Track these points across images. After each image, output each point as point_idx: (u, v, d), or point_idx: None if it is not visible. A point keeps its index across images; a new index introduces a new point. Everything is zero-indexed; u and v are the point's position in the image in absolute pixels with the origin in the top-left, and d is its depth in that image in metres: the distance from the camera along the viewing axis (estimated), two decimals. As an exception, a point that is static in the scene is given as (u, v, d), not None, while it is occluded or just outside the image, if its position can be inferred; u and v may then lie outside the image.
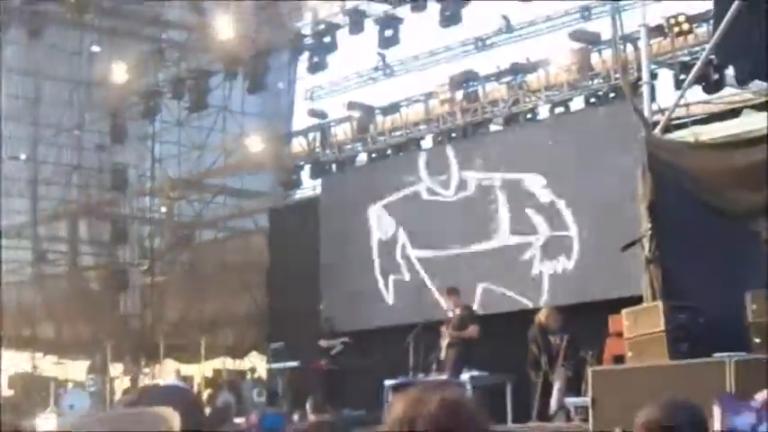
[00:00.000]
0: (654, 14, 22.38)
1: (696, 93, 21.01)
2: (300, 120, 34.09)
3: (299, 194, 31.74)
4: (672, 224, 14.85)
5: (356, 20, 28.33)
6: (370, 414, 18.49)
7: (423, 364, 20.40)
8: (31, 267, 33.61)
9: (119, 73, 31.83)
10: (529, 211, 22.97)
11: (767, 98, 17.87)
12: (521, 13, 28.67)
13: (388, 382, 19.83)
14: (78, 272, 34.47)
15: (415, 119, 29.90)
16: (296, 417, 18.72)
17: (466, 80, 28.58)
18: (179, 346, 30.33)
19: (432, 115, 29.34)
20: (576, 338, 18.25)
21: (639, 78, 16.89)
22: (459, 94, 28.47)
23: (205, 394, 27.14)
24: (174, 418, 3.07)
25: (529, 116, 26.78)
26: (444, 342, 19.48)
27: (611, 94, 24.04)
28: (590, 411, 13.93)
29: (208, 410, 22.22)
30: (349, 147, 30.73)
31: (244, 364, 29.80)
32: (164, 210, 35.42)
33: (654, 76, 18.68)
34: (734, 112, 19.48)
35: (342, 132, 31.47)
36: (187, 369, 29.80)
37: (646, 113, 15.96)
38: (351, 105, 30.95)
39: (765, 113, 16.20)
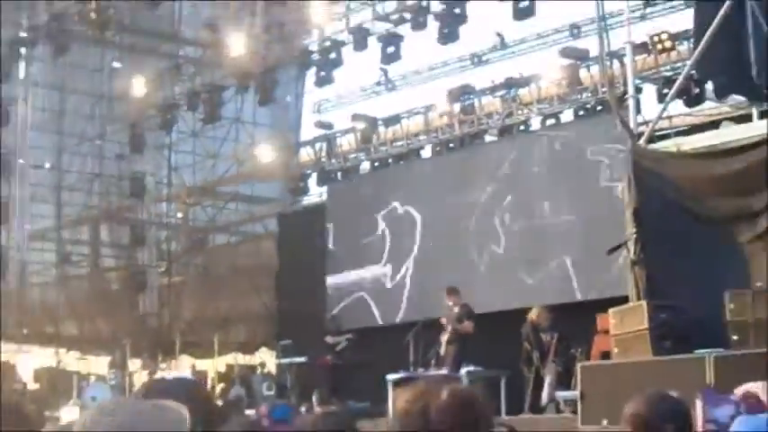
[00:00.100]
0: (639, 33, 22.42)
1: (678, 106, 21.04)
2: (308, 130, 34.18)
3: (307, 201, 31.76)
4: (655, 229, 14.87)
5: (360, 37, 28.38)
6: (373, 406, 18.54)
7: (422, 360, 20.39)
8: (56, 269, 33.63)
9: (138, 87, 31.87)
10: (522, 216, 22.99)
11: (744, 111, 17.87)
12: (514, 32, 28.73)
13: (389, 377, 19.82)
14: (99, 273, 34.48)
15: (416, 130, 29.94)
16: (303, 409, 18.72)
17: (463, 94, 28.62)
18: (194, 342, 30.31)
19: (431, 126, 29.39)
20: (566, 336, 18.24)
21: (625, 92, 16.91)
22: (457, 107, 28.52)
23: (218, 388, 27.17)
24: (186, 415, 3.08)
25: (522, 127, 26.83)
26: (444, 338, 19.49)
27: (599, 107, 24.06)
28: (579, 404, 13.94)
29: (220, 403, 22.26)
30: (353, 156, 30.78)
31: (254, 359, 29.76)
32: (180, 215, 35.43)
33: (638, 90, 18.70)
34: (713, 124, 19.48)
35: (347, 142, 31.51)
36: (201, 364, 29.79)
37: (631, 125, 15.98)
38: (355, 117, 31.02)
39: (743, 125, 16.22)
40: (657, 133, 16.32)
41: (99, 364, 30.89)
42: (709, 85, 21.29)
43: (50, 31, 28.22)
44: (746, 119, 16.55)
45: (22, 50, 30.15)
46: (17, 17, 29.24)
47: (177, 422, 3.00)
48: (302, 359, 24.44)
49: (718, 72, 17.46)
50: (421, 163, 27.24)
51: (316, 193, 31.24)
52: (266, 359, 28.57)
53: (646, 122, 16.39)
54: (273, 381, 25.71)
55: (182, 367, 28.67)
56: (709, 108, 22.45)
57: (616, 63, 21.30)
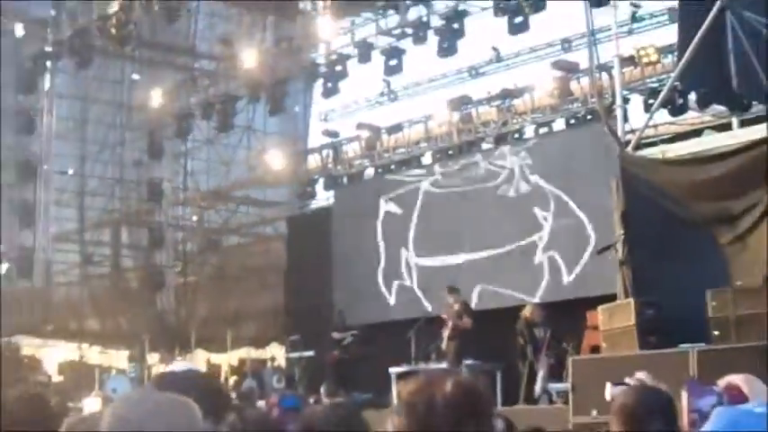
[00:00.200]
0: (626, 47, 22.44)
1: (663, 115, 21.02)
2: (315, 138, 34.19)
3: (314, 204, 31.76)
4: (642, 231, 14.87)
5: (364, 51, 28.37)
6: (377, 397, 18.54)
7: (423, 354, 20.42)
8: (79, 268, 33.61)
9: (155, 98, 31.92)
10: (515, 222, 22.98)
11: (725, 120, 17.88)
12: (509, 46, 28.74)
13: (392, 370, 19.86)
14: (120, 273, 34.45)
15: (417, 138, 29.96)
16: (311, 400, 18.72)
17: (461, 104, 28.64)
18: (208, 337, 30.32)
19: (431, 135, 29.43)
20: (558, 331, 18.26)
21: (613, 102, 16.92)
22: (456, 116, 28.53)
23: (231, 380, 27.17)
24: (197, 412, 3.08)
25: (516, 135, 26.85)
26: (446, 333, 19.49)
27: (589, 117, 24.08)
28: (570, 395, 13.94)
29: (234, 394, 22.26)
30: (358, 162, 30.80)
31: (265, 353, 29.71)
32: (195, 218, 35.43)
33: (626, 100, 18.71)
34: (696, 133, 19.48)
35: (352, 150, 31.55)
36: (215, 358, 29.81)
37: (619, 133, 15.99)
38: (360, 126, 31.07)
39: (723, 134, 16.23)
40: (644, 141, 16.32)
41: (119, 358, 30.93)
42: (692, 96, 21.28)
43: (74, 46, 28.23)
44: (727, 127, 16.56)
45: (48, 64, 30.17)
46: (43, 33, 29.26)
47: (192, 417, 3.03)
48: (310, 353, 24.50)
49: (700, 84, 17.48)
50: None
51: (323, 198, 31.29)
52: (276, 353, 28.56)
53: (633, 131, 16.40)
54: (283, 374, 25.71)
55: (197, 361, 28.66)
56: (692, 117, 22.44)
57: (605, 75, 21.29)
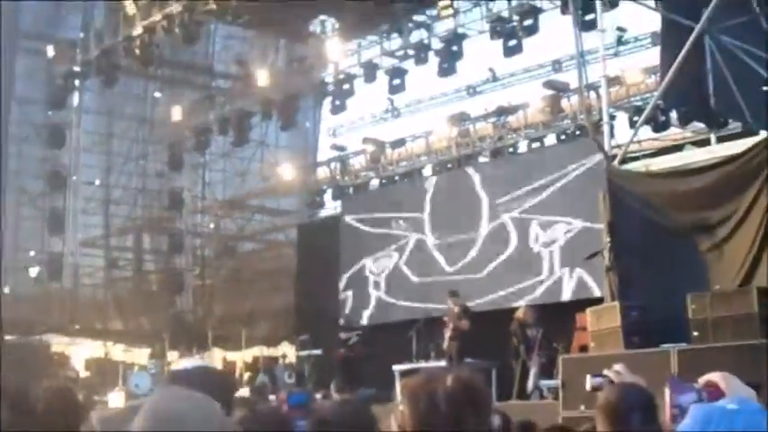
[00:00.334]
0: (613, 67, 22.45)
1: (647, 131, 21.05)
2: (324, 152, 34.23)
3: (323, 213, 31.79)
4: (627, 239, 14.87)
5: (370, 71, 28.45)
6: (381, 393, 18.52)
7: (423, 352, 20.42)
8: (104, 272, 33.62)
9: (176, 114, 31.96)
10: (509, 229, 22.97)
11: (704, 136, 17.90)
12: (504, 66, 28.80)
13: (395, 367, 19.85)
14: (142, 276, 34.47)
15: (418, 151, 30.02)
16: (319, 395, 18.69)
17: (459, 120, 28.67)
18: (224, 336, 30.28)
19: (432, 149, 29.48)
20: (549, 332, 18.24)
21: (601, 119, 16.92)
22: (454, 132, 28.56)
23: (245, 376, 27.16)
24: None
25: (511, 150, 26.89)
26: (447, 334, 19.47)
27: (578, 132, 24.12)
28: (560, 392, 13.93)
29: (248, 389, 22.25)
30: (364, 174, 30.87)
31: (277, 351, 29.67)
32: (212, 225, 35.43)
33: (612, 117, 18.72)
34: (677, 148, 19.50)
35: (358, 162, 31.61)
36: (231, 356, 29.77)
37: (606, 148, 15.99)
38: (365, 140, 31.08)
39: (703, 149, 16.24)
40: (629, 155, 16.31)
41: (141, 356, 30.90)
42: (674, 114, 21.35)
43: (100, 66, 28.28)
44: (706, 143, 16.57)
45: (76, 82, 30.20)
46: (72, 53, 29.30)
47: (221, 413, 3.05)
48: (318, 352, 24.49)
49: (681, 102, 17.51)
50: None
51: (331, 207, 31.31)
52: (287, 351, 28.53)
53: (619, 146, 16.40)
54: (293, 370, 25.69)
55: (213, 358, 28.65)
56: (674, 133, 22.49)
57: (593, 94, 21.30)
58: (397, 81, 28.36)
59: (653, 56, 21.90)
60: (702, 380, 3.74)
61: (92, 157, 33.01)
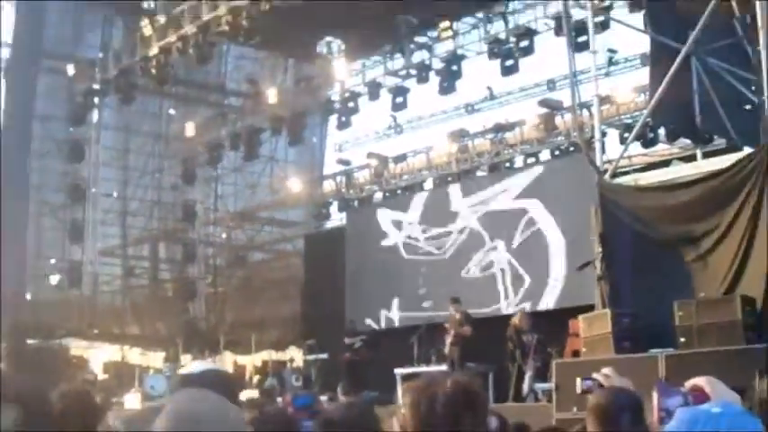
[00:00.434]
0: (604, 87, 22.49)
1: (636, 147, 21.08)
2: (330, 166, 34.32)
3: (329, 224, 31.81)
4: (617, 249, 14.85)
5: (374, 90, 28.53)
6: (383, 395, 18.49)
7: (424, 357, 20.40)
8: (121, 280, 33.64)
9: (189, 130, 32.06)
10: (505, 239, 22.96)
11: (690, 152, 17.88)
12: (501, 85, 28.91)
13: (397, 371, 19.82)
14: (157, 283, 34.48)
15: (420, 166, 30.07)
16: (325, 397, 18.66)
17: (459, 136, 28.72)
18: (235, 341, 30.28)
19: (432, 163, 29.51)
20: (544, 337, 18.23)
21: (593, 136, 16.90)
22: (454, 147, 28.60)
23: (255, 379, 27.15)
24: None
25: (507, 165, 26.91)
26: (448, 340, 19.41)
27: (571, 148, 24.16)
28: (554, 394, 13.90)
29: (257, 392, 22.22)
30: (368, 187, 30.87)
31: (285, 355, 29.65)
32: (224, 236, 35.45)
33: (604, 134, 18.70)
34: (665, 163, 19.46)
35: (362, 176, 31.64)
36: (241, 359, 29.76)
37: (597, 163, 15.98)
38: (369, 155, 31.16)
39: (689, 164, 16.23)
40: (619, 170, 16.30)
41: (157, 359, 30.90)
42: (662, 131, 21.39)
43: (118, 84, 28.33)
44: (692, 158, 16.53)
45: (96, 100, 30.25)
46: (91, 72, 29.36)
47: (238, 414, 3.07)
48: (324, 356, 24.47)
49: (669, 120, 17.50)
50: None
51: (336, 218, 31.33)
52: (295, 355, 28.52)
53: (609, 161, 16.38)
54: (301, 374, 25.65)
55: (224, 362, 28.64)
56: (662, 149, 22.51)
57: (585, 112, 21.33)
58: (399, 99, 28.44)
59: (642, 76, 21.96)
60: (688, 384, 3.74)
61: (110, 170, 33.04)
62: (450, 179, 27.59)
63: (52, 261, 31.81)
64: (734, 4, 15.27)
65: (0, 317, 26.75)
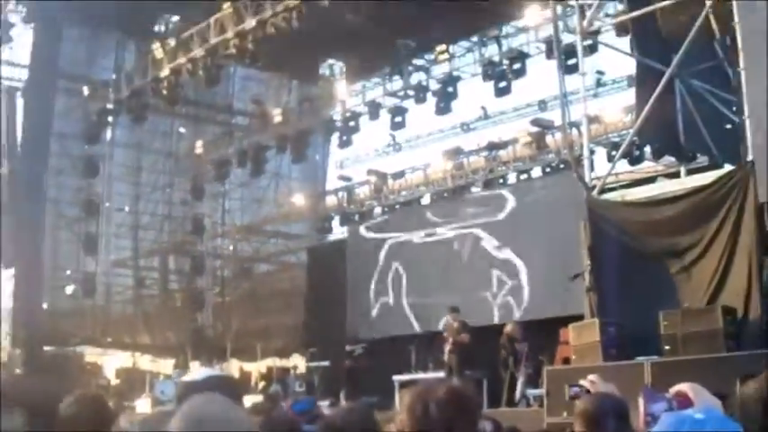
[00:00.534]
0: (593, 107, 22.54)
1: (623, 165, 21.08)
2: (332, 182, 34.34)
3: (331, 238, 31.78)
4: (605, 262, 14.85)
5: (374, 109, 28.59)
6: (382, 401, 18.44)
7: (422, 364, 20.36)
8: (133, 290, 33.62)
9: (198, 148, 32.12)
10: (498, 250, 22.91)
11: (674, 169, 17.90)
12: (495, 105, 28.97)
13: (395, 378, 19.77)
14: (167, 294, 34.44)
15: (417, 182, 30.14)
16: (327, 403, 18.59)
17: (454, 154, 28.76)
18: (241, 349, 30.24)
19: (429, 180, 29.55)
20: (535, 345, 18.19)
21: (582, 154, 16.92)
22: (450, 164, 28.64)
23: (260, 385, 27.08)
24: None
25: (501, 181, 26.93)
26: (447, 348, 19.31)
27: (561, 165, 24.17)
28: (545, 400, 13.90)
29: (262, 397, 22.17)
30: (368, 202, 30.91)
31: (289, 362, 29.61)
32: (231, 248, 35.41)
33: (592, 152, 18.69)
34: (650, 179, 19.51)
35: (363, 192, 31.72)
36: (247, 366, 29.72)
37: (586, 179, 15.99)
38: (369, 172, 31.23)
39: (673, 180, 16.24)
40: (607, 186, 16.30)
41: (167, 366, 30.89)
42: (648, 149, 21.39)
43: (131, 104, 28.37)
44: (676, 175, 16.56)
45: (109, 119, 30.26)
46: (105, 93, 29.39)
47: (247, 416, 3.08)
48: (326, 363, 24.43)
49: (654, 138, 17.52)
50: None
51: (338, 232, 31.30)
52: (298, 363, 28.48)
53: (598, 178, 16.40)
54: (304, 380, 25.61)
55: (231, 368, 28.63)
56: (647, 167, 22.53)
57: (575, 131, 21.35)
58: (398, 118, 28.50)
59: (629, 97, 22.00)
60: (673, 390, 3.74)
61: (123, 186, 33.07)
62: (445, 194, 27.60)
63: (68, 272, 31.78)
64: (714, 25, 15.30)
65: (18, 325, 26.83)
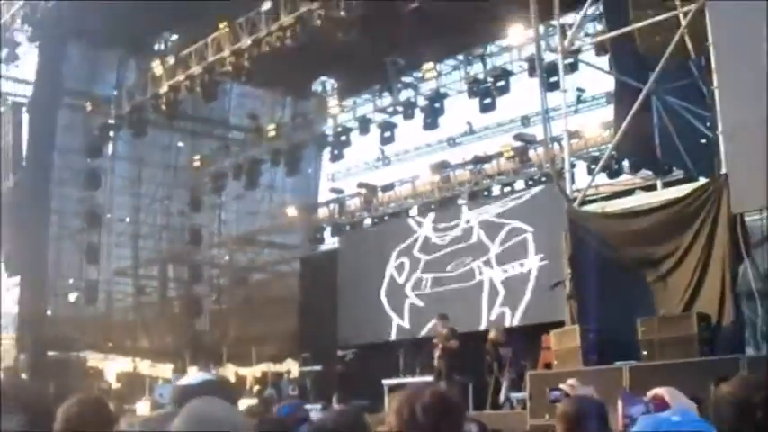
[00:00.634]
0: (573, 123, 22.56)
1: (602, 178, 21.11)
2: (324, 194, 34.30)
3: (323, 248, 31.75)
4: (585, 270, 14.85)
5: (364, 125, 28.64)
6: (372, 404, 18.42)
7: (410, 369, 20.33)
8: (133, 297, 33.58)
9: (196, 161, 32.07)
10: (487, 261, 22.91)
11: (651, 182, 17.93)
12: (480, 121, 28.97)
13: (385, 382, 19.74)
14: (166, 301, 34.39)
15: (406, 194, 30.15)
16: (320, 405, 18.53)
17: (441, 167, 28.77)
18: (237, 354, 30.18)
19: (417, 192, 29.56)
20: (519, 351, 18.19)
21: (563, 167, 16.94)
22: (437, 177, 28.66)
23: (255, 388, 27.05)
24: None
25: (485, 193, 26.94)
26: (436, 354, 19.24)
27: (544, 179, 24.18)
28: (528, 403, 13.89)
29: (256, 400, 22.12)
30: (359, 214, 30.90)
31: (282, 367, 29.58)
32: (227, 258, 35.40)
33: (573, 165, 18.71)
34: (628, 192, 19.52)
35: (354, 204, 31.70)
36: (242, 371, 29.69)
37: (567, 192, 16.01)
38: (360, 185, 31.22)
39: (650, 193, 16.27)
40: (587, 198, 16.31)
41: (166, 370, 30.85)
42: (626, 163, 21.42)
43: (131, 119, 28.34)
44: (653, 188, 16.58)
45: (111, 133, 30.23)
46: (107, 108, 29.36)
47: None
48: (318, 367, 24.38)
49: (632, 153, 17.56)
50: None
51: (330, 242, 31.27)
52: (292, 367, 28.44)
53: (578, 190, 16.40)
54: (297, 384, 25.58)
55: (227, 372, 28.61)
56: (626, 179, 22.55)
57: (556, 145, 21.38)
58: (387, 133, 28.53)
59: (608, 113, 22.04)
60: (650, 393, 3.74)
61: (123, 198, 33.04)
62: (432, 206, 27.59)
63: (71, 280, 31.73)
64: (689, 45, 15.37)
65: (23, 331, 26.76)
